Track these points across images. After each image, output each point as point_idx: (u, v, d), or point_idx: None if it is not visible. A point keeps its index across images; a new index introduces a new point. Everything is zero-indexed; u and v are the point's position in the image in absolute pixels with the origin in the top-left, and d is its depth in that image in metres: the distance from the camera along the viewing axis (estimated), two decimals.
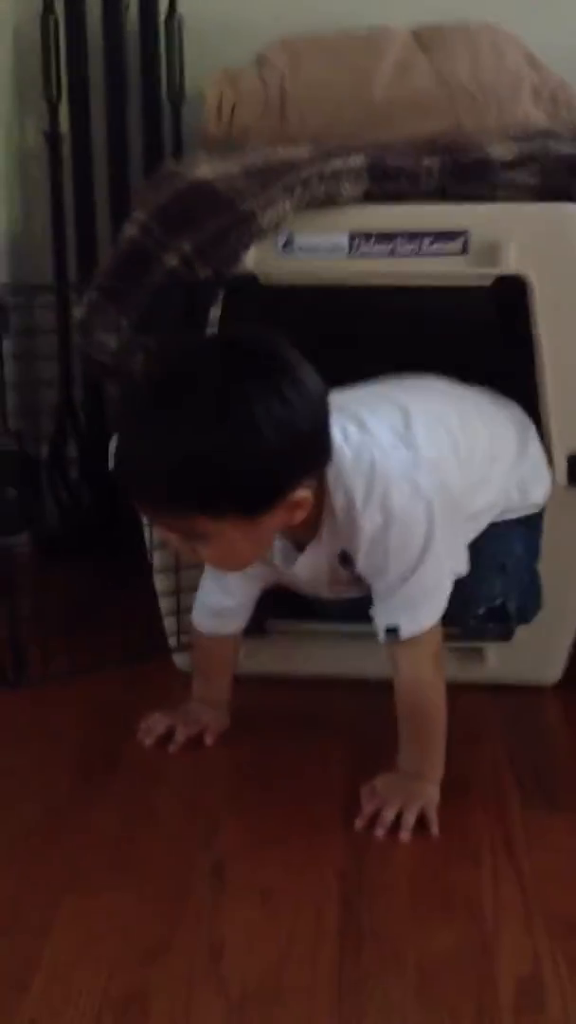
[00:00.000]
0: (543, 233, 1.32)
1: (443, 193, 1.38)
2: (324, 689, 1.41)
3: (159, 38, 1.77)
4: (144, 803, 1.21)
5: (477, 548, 1.24)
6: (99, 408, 1.86)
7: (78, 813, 1.19)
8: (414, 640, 1.16)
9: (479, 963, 0.96)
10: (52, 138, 1.79)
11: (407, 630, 1.15)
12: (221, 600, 1.31)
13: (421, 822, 1.14)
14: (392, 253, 1.33)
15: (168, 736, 1.31)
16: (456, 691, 1.20)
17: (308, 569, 1.20)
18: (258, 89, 1.54)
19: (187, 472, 1.01)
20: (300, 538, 1.18)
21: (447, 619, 1.18)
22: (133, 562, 1.48)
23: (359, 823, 1.15)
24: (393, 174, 1.36)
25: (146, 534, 1.40)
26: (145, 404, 1.06)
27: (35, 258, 1.87)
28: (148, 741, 1.31)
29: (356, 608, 1.21)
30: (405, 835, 1.13)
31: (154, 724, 1.32)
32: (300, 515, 1.09)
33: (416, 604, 1.15)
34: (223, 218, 1.28)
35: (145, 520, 1.30)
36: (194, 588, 1.34)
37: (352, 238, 1.32)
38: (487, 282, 1.33)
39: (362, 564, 1.16)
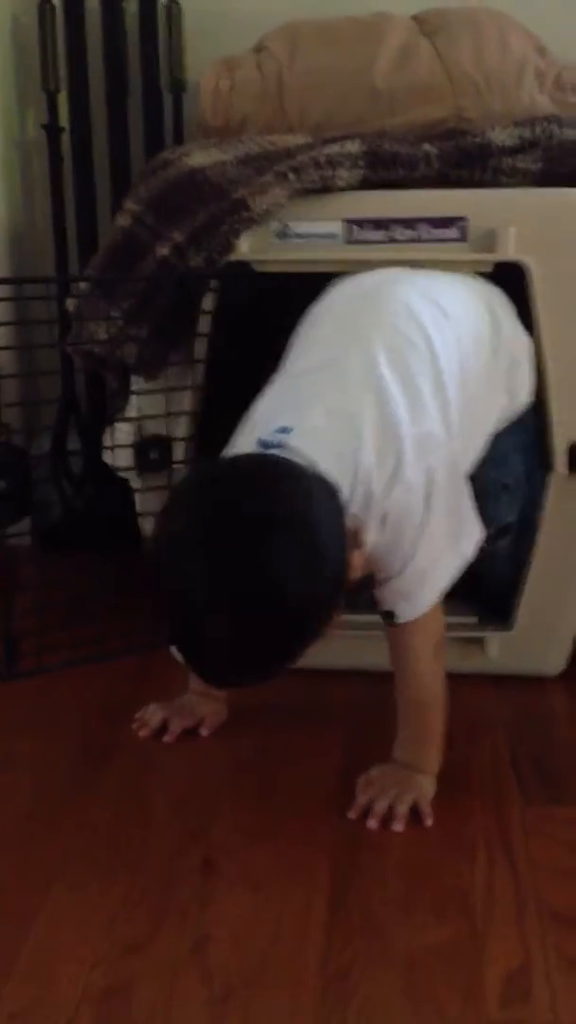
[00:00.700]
0: (543, 219, 1.31)
1: (443, 179, 1.36)
2: (321, 681, 1.40)
3: (158, 27, 1.76)
4: (138, 794, 1.20)
5: (477, 475, 1.22)
6: (101, 401, 1.85)
7: (72, 803, 1.18)
8: (415, 627, 1.15)
9: (468, 956, 0.95)
10: (52, 130, 1.78)
11: (407, 614, 1.14)
12: None
13: (416, 814, 1.13)
14: (389, 240, 1.32)
15: (164, 728, 1.30)
16: (457, 681, 1.19)
17: None
18: (255, 77, 1.52)
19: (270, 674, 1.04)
20: None
21: None
22: (135, 554, 1.47)
23: (352, 814, 1.14)
24: (390, 160, 1.34)
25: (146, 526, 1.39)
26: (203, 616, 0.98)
27: (36, 250, 1.87)
28: (143, 733, 1.31)
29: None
30: (398, 826, 1.12)
31: (149, 716, 1.32)
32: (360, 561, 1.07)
33: (413, 589, 1.14)
34: (215, 206, 1.27)
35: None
36: None
37: (347, 225, 1.31)
38: (487, 268, 1.31)
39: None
